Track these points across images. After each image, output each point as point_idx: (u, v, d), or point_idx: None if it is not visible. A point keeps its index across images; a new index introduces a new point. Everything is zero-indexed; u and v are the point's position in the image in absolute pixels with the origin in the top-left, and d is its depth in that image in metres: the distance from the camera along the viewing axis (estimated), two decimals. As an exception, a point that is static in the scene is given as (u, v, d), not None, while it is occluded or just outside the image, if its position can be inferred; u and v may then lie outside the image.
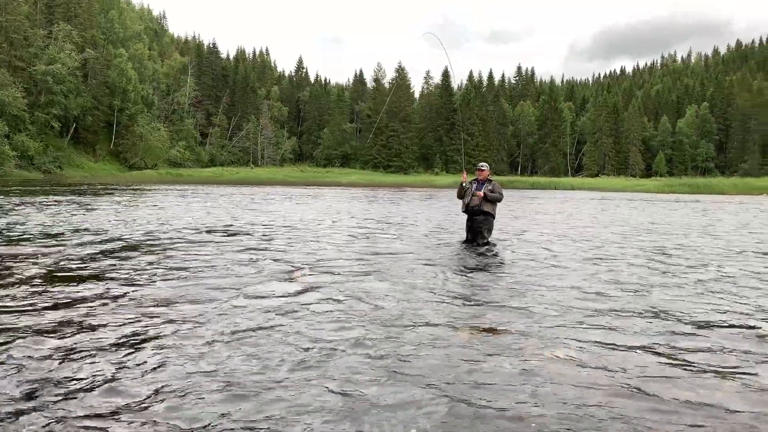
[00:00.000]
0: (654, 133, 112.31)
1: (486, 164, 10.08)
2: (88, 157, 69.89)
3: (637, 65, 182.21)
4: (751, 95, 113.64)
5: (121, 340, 4.05)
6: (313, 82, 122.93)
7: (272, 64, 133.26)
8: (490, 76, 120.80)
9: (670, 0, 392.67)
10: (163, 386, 3.26)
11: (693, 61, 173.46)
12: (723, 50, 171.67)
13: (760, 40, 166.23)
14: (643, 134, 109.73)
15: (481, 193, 9.62)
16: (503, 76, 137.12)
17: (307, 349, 3.95)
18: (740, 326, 4.87)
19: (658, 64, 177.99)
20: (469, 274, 7.17)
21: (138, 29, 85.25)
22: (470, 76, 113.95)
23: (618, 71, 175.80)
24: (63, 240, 9.38)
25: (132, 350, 3.85)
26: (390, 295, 5.74)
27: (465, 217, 10.21)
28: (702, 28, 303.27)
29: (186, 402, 3.06)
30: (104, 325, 4.39)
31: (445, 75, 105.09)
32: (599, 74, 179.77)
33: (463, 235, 10.42)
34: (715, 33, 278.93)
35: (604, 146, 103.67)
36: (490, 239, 9.96)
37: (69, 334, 4.13)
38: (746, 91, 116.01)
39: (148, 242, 9.43)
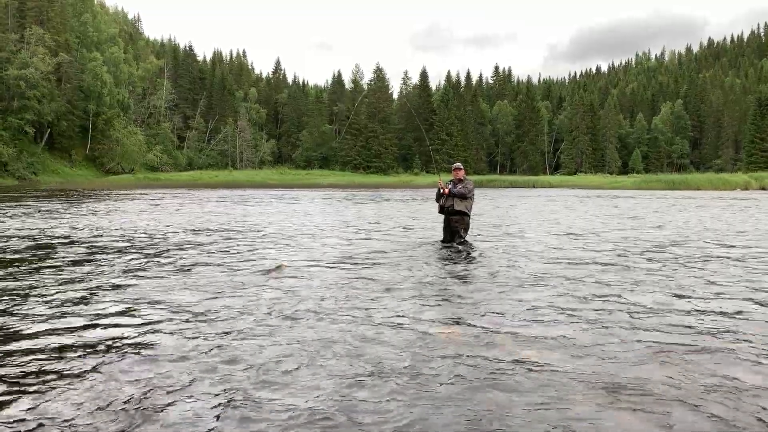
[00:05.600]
0: (630, 130, 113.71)
1: (460, 164, 10.21)
2: (63, 163, 68.85)
3: (612, 64, 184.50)
4: (723, 92, 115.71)
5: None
6: (291, 83, 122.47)
7: (249, 66, 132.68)
8: (468, 77, 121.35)
9: (647, 0, 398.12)
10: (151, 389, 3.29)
11: (667, 59, 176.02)
12: (696, 48, 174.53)
13: (732, 38, 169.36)
14: (619, 132, 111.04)
15: (447, 190, 9.76)
16: (481, 75, 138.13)
17: (291, 350, 4.00)
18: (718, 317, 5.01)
19: (633, 63, 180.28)
20: (448, 274, 7.26)
21: (112, 32, 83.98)
22: (448, 77, 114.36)
23: (594, 70, 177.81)
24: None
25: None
26: (368, 296, 5.80)
27: (442, 217, 10.33)
28: (679, 29, 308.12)
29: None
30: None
31: (423, 76, 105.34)
32: (575, 73, 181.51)
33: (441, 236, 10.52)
34: (690, 34, 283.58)
35: (581, 144, 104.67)
36: (466, 238, 10.07)
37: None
38: (719, 88, 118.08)
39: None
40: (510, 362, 3.81)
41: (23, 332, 4.40)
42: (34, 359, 3.79)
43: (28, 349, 4.01)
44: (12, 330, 4.45)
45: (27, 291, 5.90)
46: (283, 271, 7.18)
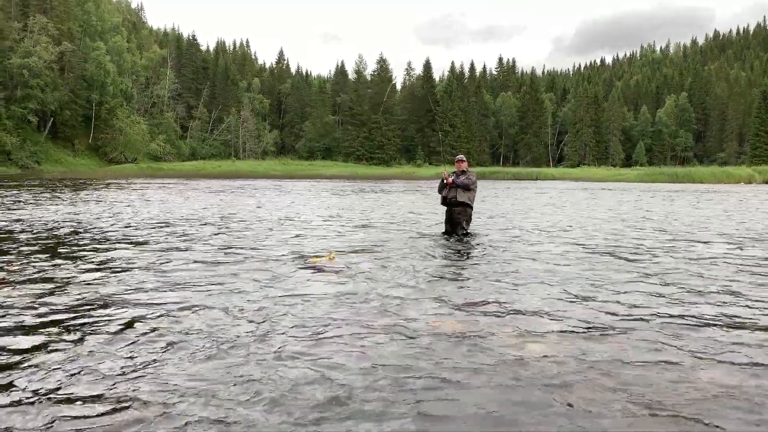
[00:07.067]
0: (634, 123, 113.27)
1: (463, 156, 10.22)
2: (66, 152, 68.86)
3: (617, 56, 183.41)
4: (728, 85, 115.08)
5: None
6: (294, 74, 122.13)
7: (253, 56, 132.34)
8: (472, 68, 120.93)
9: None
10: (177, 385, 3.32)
11: (672, 51, 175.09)
12: (701, 41, 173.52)
13: (738, 30, 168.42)
14: (623, 124, 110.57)
15: (450, 180, 9.76)
16: (485, 67, 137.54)
17: (287, 343, 4.03)
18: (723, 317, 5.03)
19: (638, 55, 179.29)
20: (449, 265, 7.28)
21: (116, 21, 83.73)
22: (452, 68, 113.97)
23: (598, 62, 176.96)
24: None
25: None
26: (369, 287, 5.82)
27: (445, 209, 10.34)
28: (683, 22, 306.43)
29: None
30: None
31: (427, 66, 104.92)
32: (579, 65, 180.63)
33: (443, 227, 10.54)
34: (695, 27, 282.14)
35: (585, 136, 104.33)
36: (468, 230, 10.08)
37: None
38: (724, 81, 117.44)
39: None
40: (506, 356, 3.82)
41: None
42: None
43: None
44: None
45: None
46: (333, 260, 7.13)
